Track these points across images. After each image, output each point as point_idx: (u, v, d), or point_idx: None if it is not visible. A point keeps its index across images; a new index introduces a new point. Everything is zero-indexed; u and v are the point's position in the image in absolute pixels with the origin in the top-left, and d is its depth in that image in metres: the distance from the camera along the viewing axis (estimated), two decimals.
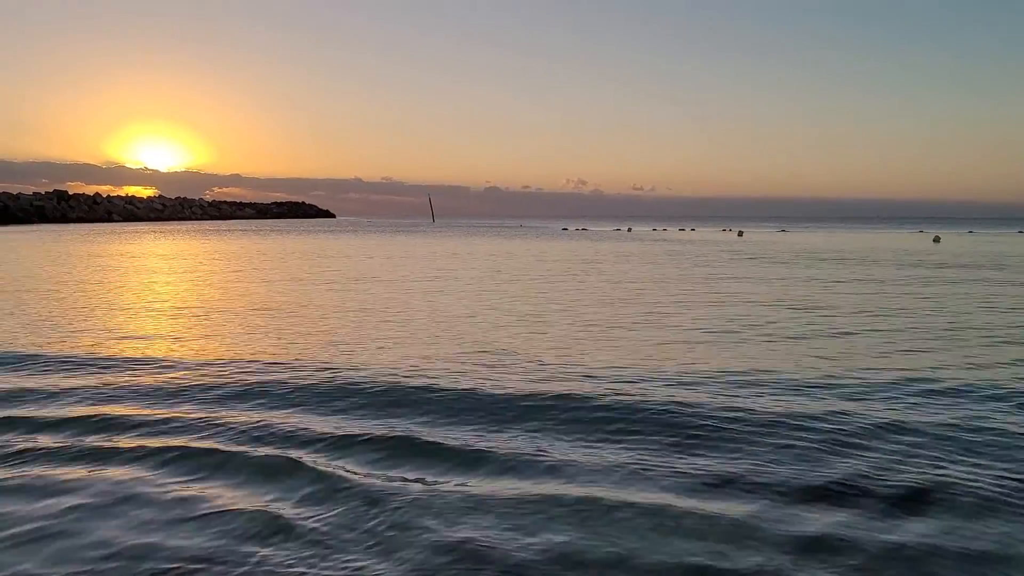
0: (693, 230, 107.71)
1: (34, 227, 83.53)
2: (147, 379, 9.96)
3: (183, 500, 6.02)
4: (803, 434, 7.70)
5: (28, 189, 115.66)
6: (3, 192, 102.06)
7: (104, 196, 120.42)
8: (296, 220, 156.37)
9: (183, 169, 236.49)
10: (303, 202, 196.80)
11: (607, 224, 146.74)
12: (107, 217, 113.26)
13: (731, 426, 7.87)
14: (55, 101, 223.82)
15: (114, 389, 9.30)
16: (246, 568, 5.07)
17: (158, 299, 19.33)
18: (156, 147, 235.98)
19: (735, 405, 8.68)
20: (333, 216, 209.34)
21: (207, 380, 9.73)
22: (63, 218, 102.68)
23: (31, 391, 9.29)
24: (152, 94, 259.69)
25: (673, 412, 8.36)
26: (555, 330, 14.30)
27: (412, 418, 8.05)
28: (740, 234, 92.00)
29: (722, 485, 6.37)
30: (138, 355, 11.54)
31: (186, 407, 8.52)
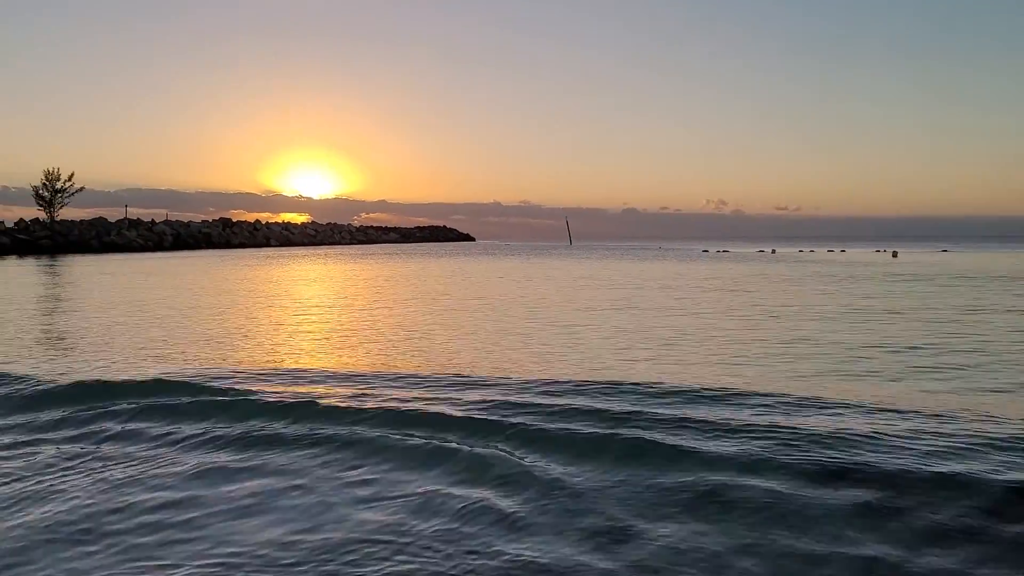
0: (843, 251, 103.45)
1: (202, 252, 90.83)
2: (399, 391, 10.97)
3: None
4: None
5: (197, 217, 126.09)
6: (176, 220, 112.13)
7: (263, 223, 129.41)
8: (438, 244, 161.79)
9: (333, 196, 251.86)
10: (444, 226, 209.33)
11: (749, 245, 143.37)
12: (265, 242, 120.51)
13: None
14: (218, 134, 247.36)
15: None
16: None
17: (348, 318, 21.09)
18: (309, 175, 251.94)
19: None
20: (473, 239, 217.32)
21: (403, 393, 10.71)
22: (227, 244, 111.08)
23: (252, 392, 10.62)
24: (304, 122, 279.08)
25: None
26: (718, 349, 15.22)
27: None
28: (895, 255, 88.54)
29: None
30: (388, 370, 12.69)
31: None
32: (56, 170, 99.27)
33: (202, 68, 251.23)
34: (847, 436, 8.28)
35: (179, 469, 7.65)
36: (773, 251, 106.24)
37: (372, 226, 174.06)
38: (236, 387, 10.86)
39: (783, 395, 10.53)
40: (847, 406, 9.95)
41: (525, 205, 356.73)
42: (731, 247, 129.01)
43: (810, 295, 29.35)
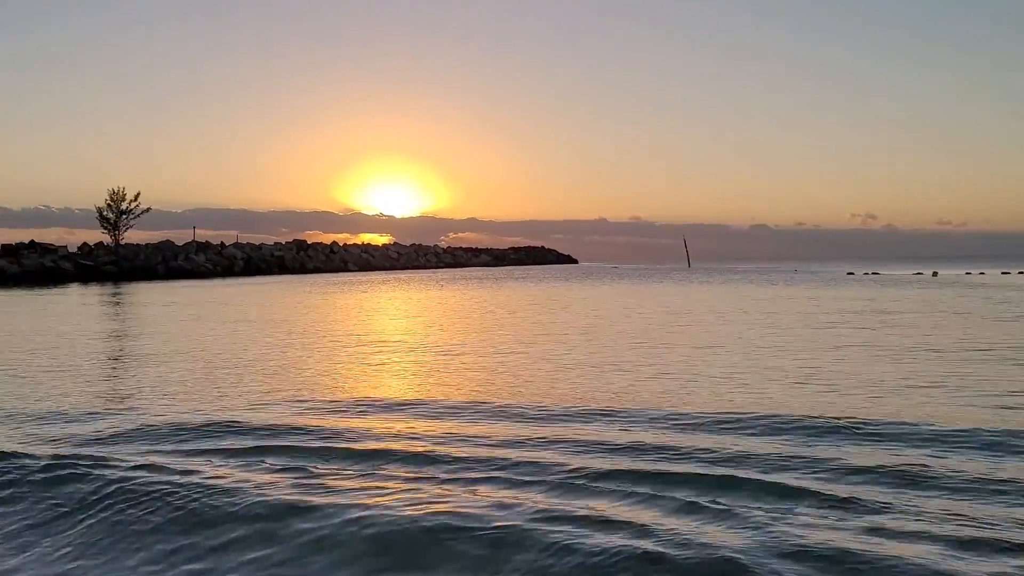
0: (1021, 273, 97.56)
1: (275, 278, 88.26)
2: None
3: None
4: None
5: (270, 239, 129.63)
6: (247, 243, 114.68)
7: (340, 245, 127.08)
8: (536, 267, 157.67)
9: (418, 214, 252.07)
10: (542, 246, 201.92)
11: (904, 266, 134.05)
12: (343, 266, 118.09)
13: None
14: (291, 147, 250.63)
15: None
16: None
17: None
18: (391, 191, 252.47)
19: None
20: (575, 261, 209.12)
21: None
22: (301, 268, 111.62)
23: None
24: (385, 132, 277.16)
25: None
26: None
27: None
28: None
29: None
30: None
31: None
32: (121, 190, 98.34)
33: (271, 76, 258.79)
34: None
35: None
36: (934, 273, 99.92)
37: (461, 247, 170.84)
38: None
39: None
40: None
41: (635, 222, 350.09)
42: (882, 268, 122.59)
43: (985, 327, 27.08)
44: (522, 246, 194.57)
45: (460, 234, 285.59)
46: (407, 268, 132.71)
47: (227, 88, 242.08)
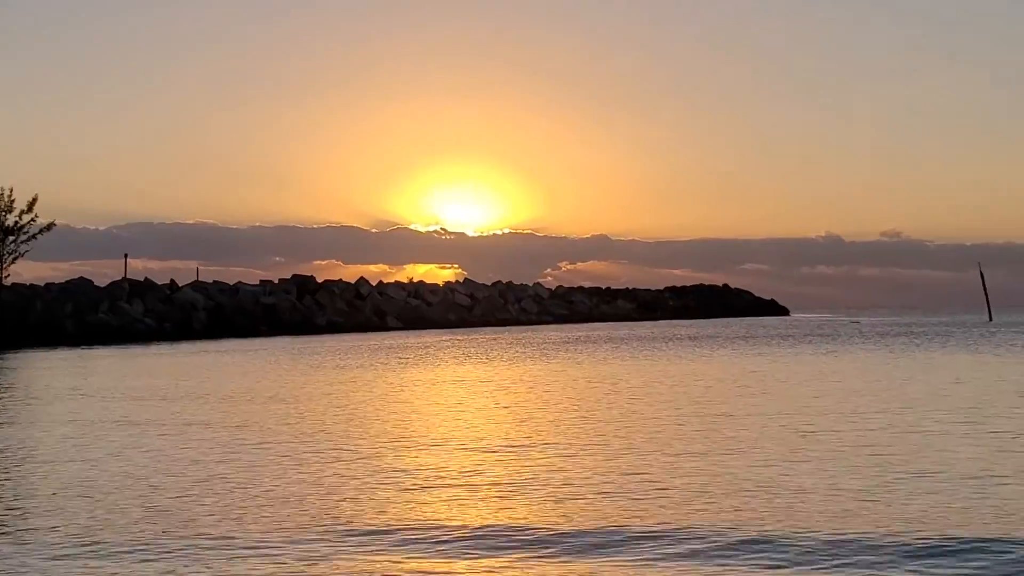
0: None
1: (261, 342, 59.38)
2: None
3: None
4: None
5: (254, 274, 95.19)
6: (215, 281, 78.60)
7: (372, 285, 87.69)
8: (711, 321, 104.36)
9: (505, 230, 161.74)
10: (724, 286, 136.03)
11: None
12: (377, 321, 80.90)
13: None
14: (286, 133, 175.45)
15: None
16: None
17: None
18: (456, 197, 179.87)
19: None
20: (784, 311, 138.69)
21: None
22: (306, 323, 73.72)
23: None
24: (450, 125, 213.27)
25: None
26: None
27: None
28: None
29: None
30: None
31: None
32: (8, 193, 62.95)
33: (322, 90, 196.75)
34: None
35: None
36: None
37: (582, 287, 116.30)
38: None
39: None
40: None
41: (888, 241, 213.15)
42: None
43: None
44: (688, 285, 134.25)
45: (580, 264, 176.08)
46: (485, 324, 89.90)
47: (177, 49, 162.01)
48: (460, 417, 19.50)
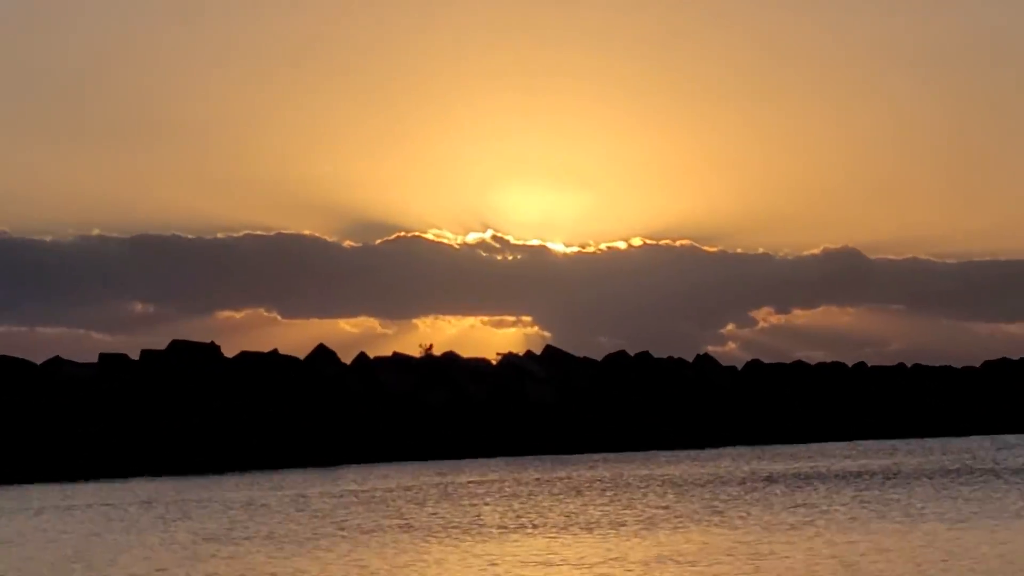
0: None
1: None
2: None
3: None
4: None
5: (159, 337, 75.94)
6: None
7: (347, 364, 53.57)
8: None
9: (626, 242, 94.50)
10: None
11: None
12: (354, 452, 49.75)
13: None
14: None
15: None
16: None
17: None
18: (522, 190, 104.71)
19: None
20: None
21: None
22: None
23: None
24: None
25: None
26: None
27: None
28: None
29: None
30: None
31: None
32: None
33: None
34: None
35: None
36: None
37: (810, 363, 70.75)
38: None
39: None
40: None
41: None
42: None
43: None
44: None
45: (801, 311, 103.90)
46: (588, 446, 52.30)
47: None
48: None
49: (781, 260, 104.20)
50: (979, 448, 54.40)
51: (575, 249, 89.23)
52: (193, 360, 54.86)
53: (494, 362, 57.42)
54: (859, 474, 39.84)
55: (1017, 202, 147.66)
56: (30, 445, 45.03)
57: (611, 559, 17.93)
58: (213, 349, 56.39)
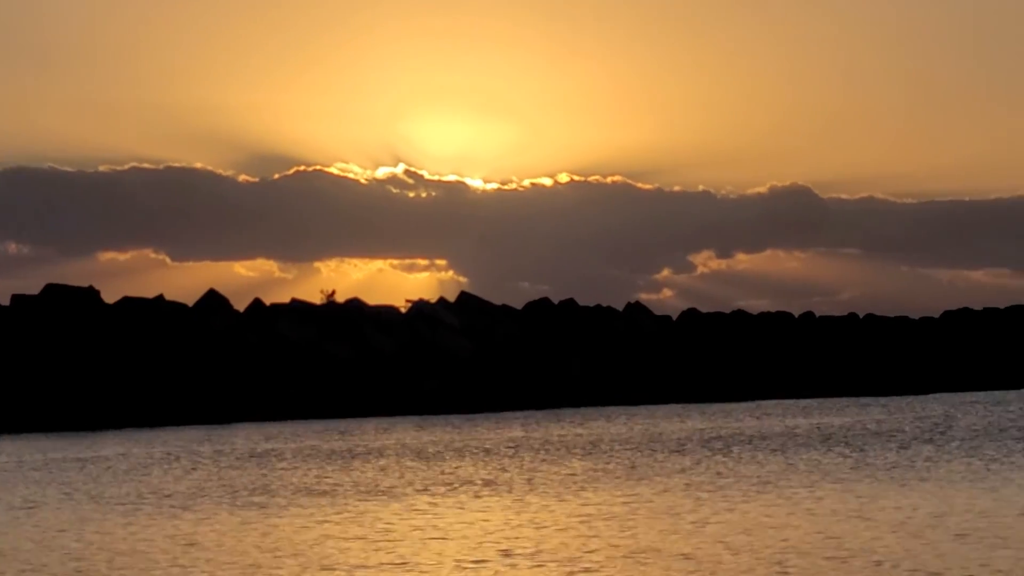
0: None
1: None
2: None
3: None
4: None
5: None
6: None
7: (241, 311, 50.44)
8: None
9: (552, 178, 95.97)
10: None
11: None
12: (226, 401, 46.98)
13: None
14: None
15: None
16: None
17: None
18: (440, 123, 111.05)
19: None
20: None
21: None
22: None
23: None
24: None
25: None
26: None
27: None
28: None
29: None
30: None
31: None
32: None
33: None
34: None
35: None
36: None
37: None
38: None
39: None
40: None
41: None
42: None
43: None
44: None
45: (744, 254, 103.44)
46: (509, 404, 50.65)
47: None
48: None
49: (723, 199, 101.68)
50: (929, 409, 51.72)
51: (495, 186, 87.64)
52: (69, 306, 51.44)
53: (403, 310, 56.41)
54: (792, 435, 36.96)
55: (983, 137, 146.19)
56: None
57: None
58: (92, 294, 52.97)
